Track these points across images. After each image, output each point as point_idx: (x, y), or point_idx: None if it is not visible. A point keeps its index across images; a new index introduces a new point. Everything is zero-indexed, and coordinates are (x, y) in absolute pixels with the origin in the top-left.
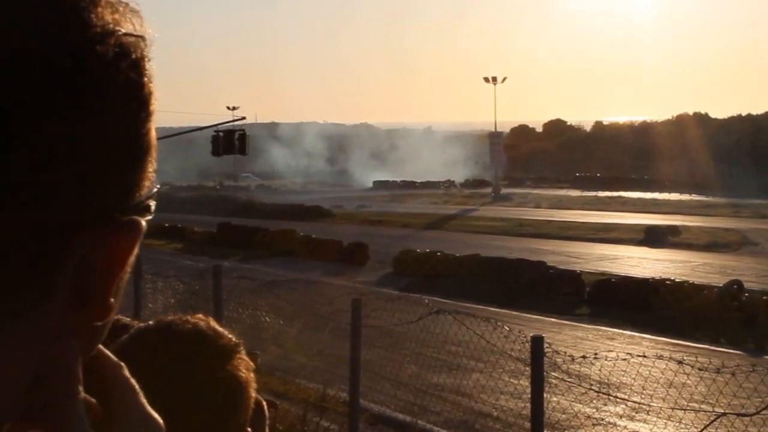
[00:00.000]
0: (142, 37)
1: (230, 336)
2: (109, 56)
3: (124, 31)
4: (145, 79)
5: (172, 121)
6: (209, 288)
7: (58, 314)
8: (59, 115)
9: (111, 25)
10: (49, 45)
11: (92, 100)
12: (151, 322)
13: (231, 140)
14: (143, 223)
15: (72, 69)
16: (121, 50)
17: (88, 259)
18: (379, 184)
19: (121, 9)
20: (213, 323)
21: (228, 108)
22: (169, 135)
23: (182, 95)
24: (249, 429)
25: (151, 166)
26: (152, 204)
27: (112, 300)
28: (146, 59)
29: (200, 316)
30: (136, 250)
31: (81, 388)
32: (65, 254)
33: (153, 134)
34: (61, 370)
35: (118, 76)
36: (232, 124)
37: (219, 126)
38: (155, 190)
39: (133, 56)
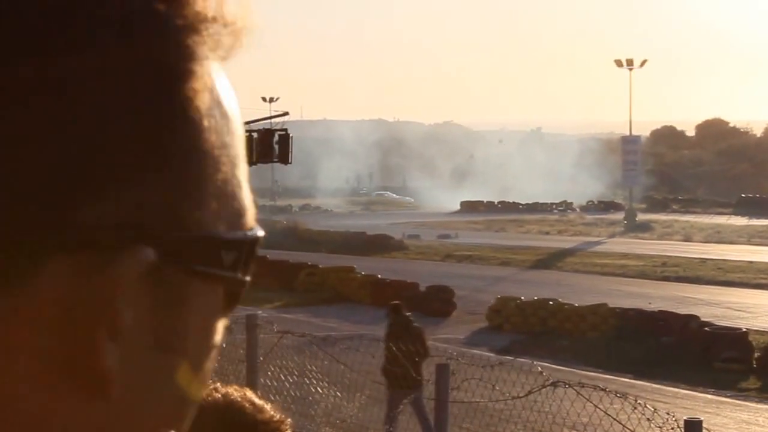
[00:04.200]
0: None
1: (272, 411)
2: None
3: None
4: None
5: None
6: (240, 346)
7: (37, 398)
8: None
9: None
10: None
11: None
12: None
13: (268, 143)
14: (151, 252)
15: None
16: None
17: (69, 301)
18: (469, 206)
19: None
20: (250, 394)
21: (264, 100)
22: None
23: None
24: None
25: (218, 180)
26: (231, 253)
27: (108, 364)
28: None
29: (234, 387)
30: (191, 294)
31: None
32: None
33: (212, 125)
34: None
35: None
36: (269, 121)
37: (253, 124)
38: (238, 234)
39: None
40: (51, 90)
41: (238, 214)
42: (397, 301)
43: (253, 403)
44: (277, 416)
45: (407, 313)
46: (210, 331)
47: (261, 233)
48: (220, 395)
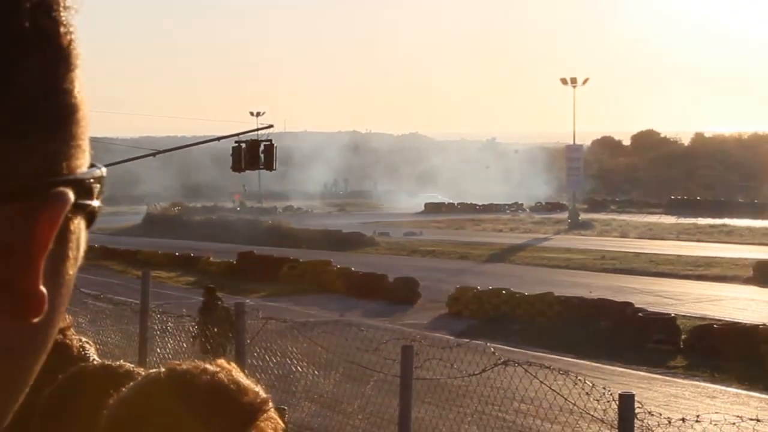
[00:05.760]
0: None
1: (257, 390)
2: None
3: None
4: (61, 26)
5: (179, 130)
6: (229, 330)
7: None
8: None
9: None
10: None
11: None
12: (162, 370)
13: (255, 153)
14: (70, 194)
15: None
16: None
17: (5, 242)
18: (432, 207)
19: None
20: (237, 373)
21: (252, 114)
22: (191, 143)
23: (191, 97)
24: None
25: (83, 135)
26: (95, 187)
27: (42, 288)
28: (60, 5)
29: (221, 362)
30: (74, 229)
31: None
32: None
33: (81, 97)
34: None
35: (19, 16)
36: (256, 133)
37: (241, 135)
38: (99, 171)
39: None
40: None
41: (90, 153)
42: (211, 285)
43: (238, 384)
44: (260, 398)
45: (218, 295)
46: (78, 258)
47: (104, 168)
48: (208, 376)
